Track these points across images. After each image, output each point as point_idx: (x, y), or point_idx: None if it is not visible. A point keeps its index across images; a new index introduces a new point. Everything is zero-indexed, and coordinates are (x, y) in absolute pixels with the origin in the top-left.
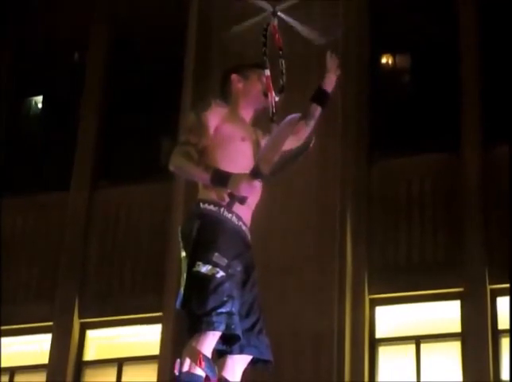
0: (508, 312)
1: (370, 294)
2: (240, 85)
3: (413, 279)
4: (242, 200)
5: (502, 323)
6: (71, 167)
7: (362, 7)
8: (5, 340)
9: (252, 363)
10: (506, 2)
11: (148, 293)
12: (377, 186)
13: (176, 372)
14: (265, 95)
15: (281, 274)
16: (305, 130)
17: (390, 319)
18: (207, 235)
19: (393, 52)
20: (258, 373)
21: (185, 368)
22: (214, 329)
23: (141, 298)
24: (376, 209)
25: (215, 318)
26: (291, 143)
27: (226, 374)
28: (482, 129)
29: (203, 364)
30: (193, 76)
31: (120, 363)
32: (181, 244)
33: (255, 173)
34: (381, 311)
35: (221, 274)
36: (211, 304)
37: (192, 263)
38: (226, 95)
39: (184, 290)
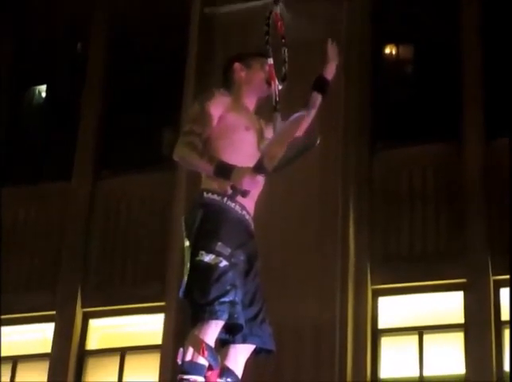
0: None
1: (372, 284)
2: (243, 74)
3: (415, 270)
4: (244, 194)
5: (505, 314)
6: (73, 157)
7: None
8: (7, 329)
9: (255, 352)
10: None
11: (150, 282)
12: (379, 177)
13: (179, 362)
14: (268, 83)
15: (283, 264)
16: (307, 119)
17: (393, 310)
18: (210, 224)
19: (395, 43)
20: (260, 361)
21: (188, 358)
22: (217, 319)
23: (144, 287)
24: (378, 200)
25: (217, 307)
26: None
27: (229, 363)
28: (484, 120)
29: (205, 353)
30: (196, 66)
31: (122, 352)
32: (184, 234)
33: (258, 168)
34: (383, 302)
35: (224, 263)
36: (214, 293)
37: (195, 253)
38: (228, 83)
39: (187, 279)
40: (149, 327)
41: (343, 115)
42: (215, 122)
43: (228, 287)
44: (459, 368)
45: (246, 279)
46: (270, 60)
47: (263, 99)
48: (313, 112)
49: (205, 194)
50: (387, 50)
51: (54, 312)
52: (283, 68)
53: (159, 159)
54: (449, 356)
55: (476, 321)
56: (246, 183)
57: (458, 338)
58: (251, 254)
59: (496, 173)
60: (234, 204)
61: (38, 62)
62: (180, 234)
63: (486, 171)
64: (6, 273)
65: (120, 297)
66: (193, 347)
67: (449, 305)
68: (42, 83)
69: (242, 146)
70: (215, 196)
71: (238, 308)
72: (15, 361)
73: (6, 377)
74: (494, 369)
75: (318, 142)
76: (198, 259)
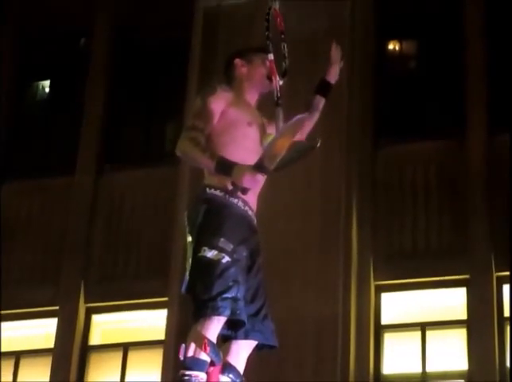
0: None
1: (375, 280)
2: (244, 69)
3: (418, 266)
4: (244, 191)
5: (508, 310)
6: (76, 152)
7: None
8: (10, 324)
9: (257, 348)
10: None
11: (153, 278)
12: (382, 173)
13: (181, 357)
14: (269, 79)
15: (286, 260)
16: (310, 122)
17: (396, 306)
18: (213, 219)
19: (398, 38)
20: (262, 356)
21: (190, 353)
22: (219, 314)
23: (147, 282)
24: (381, 196)
25: (220, 303)
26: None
27: (231, 359)
28: (488, 116)
29: (208, 349)
30: (199, 60)
31: (125, 348)
32: (187, 229)
33: (259, 167)
34: (386, 298)
35: (226, 259)
36: (216, 289)
37: (197, 248)
38: (230, 79)
39: (190, 275)
40: (151, 322)
41: (346, 112)
42: (216, 117)
43: (230, 283)
44: (461, 363)
45: (248, 275)
46: (271, 56)
47: (265, 95)
48: (317, 115)
49: (208, 190)
50: (390, 46)
51: (57, 307)
52: (283, 64)
53: (162, 154)
54: (452, 352)
55: (479, 318)
56: (246, 181)
57: (461, 334)
58: (254, 249)
59: (499, 170)
60: (236, 199)
61: (42, 57)
62: (183, 229)
63: (489, 168)
64: (9, 268)
65: (123, 292)
66: (195, 343)
67: (452, 301)
68: (46, 79)
69: (244, 142)
70: (218, 192)
71: (241, 304)
72: (18, 357)
73: (9, 372)
74: (497, 365)
75: (319, 144)
76: (200, 254)
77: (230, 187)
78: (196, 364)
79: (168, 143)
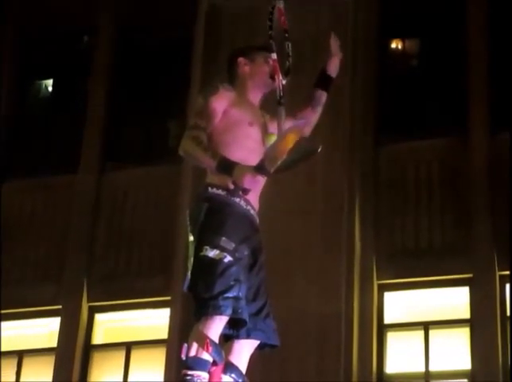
0: None
1: (378, 279)
2: (247, 68)
3: (421, 265)
4: (245, 191)
5: (509, 310)
6: (78, 150)
7: None
8: (13, 323)
9: (259, 347)
10: None
11: (156, 276)
12: (384, 171)
13: (183, 357)
14: (272, 78)
15: (288, 259)
16: (313, 117)
17: (399, 305)
18: (214, 218)
19: (401, 36)
20: (264, 356)
21: (192, 353)
22: (221, 314)
23: (150, 281)
24: (384, 195)
25: (221, 302)
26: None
27: (233, 359)
28: (490, 114)
29: (210, 348)
30: (202, 58)
31: (128, 347)
32: (189, 228)
33: (260, 168)
34: (389, 297)
35: (228, 258)
36: (218, 288)
37: (199, 247)
38: (232, 78)
39: (191, 274)
40: (154, 321)
41: (348, 111)
42: (219, 117)
43: (232, 282)
44: (464, 363)
45: (250, 273)
46: (274, 55)
47: (268, 94)
48: (319, 109)
49: (210, 189)
50: (392, 45)
51: (60, 306)
52: (287, 63)
53: (164, 153)
54: (455, 352)
55: (482, 317)
56: (246, 181)
57: (464, 333)
58: (255, 248)
59: (502, 168)
60: (238, 199)
61: (44, 57)
62: (185, 227)
63: (492, 166)
64: (12, 267)
65: (125, 291)
66: (197, 342)
67: (455, 300)
68: (48, 78)
69: (245, 142)
70: (220, 191)
71: (242, 303)
72: (21, 356)
73: (12, 371)
74: (500, 364)
75: (320, 149)
76: (202, 254)
77: (231, 186)
78: (198, 363)
79: (170, 142)
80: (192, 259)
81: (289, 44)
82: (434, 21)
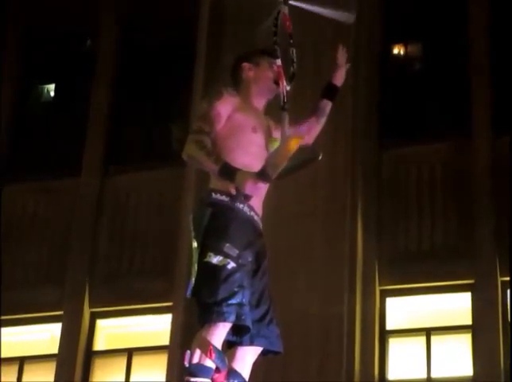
0: None
1: (380, 285)
2: (251, 73)
3: (423, 271)
4: (247, 197)
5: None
6: (81, 153)
7: None
8: (14, 329)
9: (262, 353)
10: None
11: (158, 282)
12: (387, 174)
13: (186, 364)
14: (277, 83)
15: (291, 264)
16: (317, 127)
17: (401, 311)
18: (218, 224)
19: (403, 40)
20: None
21: (195, 360)
22: (224, 320)
23: (152, 287)
24: (386, 199)
25: (225, 309)
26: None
27: (237, 365)
28: (493, 117)
29: (213, 355)
30: (205, 61)
31: (130, 352)
32: (192, 234)
33: (261, 175)
34: (391, 302)
35: (232, 264)
36: (221, 294)
37: (203, 254)
38: (237, 82)
39: (195, 280)
40: (156, 327)
41: (352, 114)
42: (223, 121)
43: (236, 289)
44: (466, 369)
45: (253, 279)
46: (278, 61)
47: (272, 99)
48: (323, 120)
49: (213, 195)
50: (395, 48)
51: (61, 312)
52: (291, 68)
53: (168, 155)
54: (457, 358)
55: (484, 322)
56: (248, 187)
57: (466, 339)
58: (259, 253)
59: (505, 172)
60: (242, 205)
61: (46, 59)
62: (189, 232)
63: (495, 169)
64: (14, 270)
65: (127, 297)
66: (200, 349)
67: (457, 306)
68: (50, 80)
69: (249, 147)
70: (224, 197)
71: (246, 309)
72: (22, 361)
73: (13, 378)
74: (502, 370)
75: (320, 156)
76: (206, 260)
77: (233, 192)
78: (202, 370)
79: (173, 145)
80: (195, 265)
81: (294, 50)
82: (437, 25)
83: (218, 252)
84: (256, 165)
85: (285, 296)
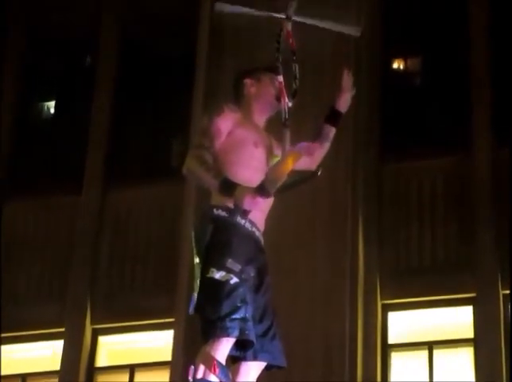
0: None
1: (382, 299)
2: (253, 89)
3: (424, 284)
4: (245, 213)
5: None
6: (82, 169)
7: (374, 12)
8: (16, 346)
9: (265, 368)
10: None
11: (160, 298)
12: (388, 187)
13: (190, 379)
14: (278, 99)
15: (293, 278)
16: (320, 152)
17: (402, 324)
18: (220, 239)
19: (404, 55)
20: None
21: (199, 375)
22: (228, 335)
23: (153, 302)
24: (388, 214)
25: (228, 324)
26: (305, 163)
27: (241, 380)
28: (493, 132)
29: (217, 370)
30: (205, 77)
31: (132, 369)
32: (194, 250)
33: (260, 190)
34: (393, 316)
35: (234, 280)
36: (224, 309)
37: (205, 269)
38: (238, 98)
39: (198, 296)
40: (158, 343)
41: (352, 128)
42: (223, 137)
43: (239, 304)
44: None
45: (256, 295)
46: (280, 77)
47: (273, 115)
48: (327, 145)
49: (215, 210)
50: (396, 62)
51: (63, 329)
52: (294, 85)
53: (168, 171)
54: (459, 371)
55: (486, 336)
56: (246, 202)
57: (468, 353)
58: (261, 269)
59: (506, 186)
60: (244, 220)
61: (48, 77)
62: (189, 247)
63: (496, 184)
64: (16, 287)
65: (129, 313)
66: (204, 364)
67: (459, 319)
68: (52, 98)
69: (250, 162)
70: (224, 213)
71: (249, 324)
72: (24, 378)
73: None
74: None
75: (320, 172)
76: (208, 276)
77: (231, 207)
78: None
79: (174, 160)
80: (198, 281)
81: (297, 66)
82: (436, 40)
83: (220, 267)
84: (257, 180)
85: (286, 313)
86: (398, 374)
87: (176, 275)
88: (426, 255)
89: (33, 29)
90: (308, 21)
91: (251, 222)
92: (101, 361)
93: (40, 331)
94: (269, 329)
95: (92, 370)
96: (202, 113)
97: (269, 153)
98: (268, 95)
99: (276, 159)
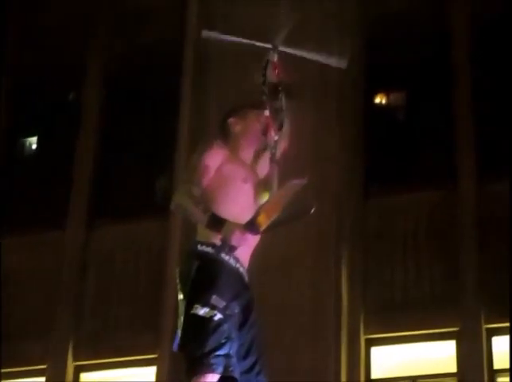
0: (504, 351)
1: (365, 334)
2: (238, 127)
3: (408, 319)
4: (232, 249)
5: (498, 362)
6: (67, 206)
7: (356, 47)
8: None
9: None
10: (499, 41)
11: (144, 334)
12: (372, 223)
13: None
14: (265, 134)
15: (276, 313)
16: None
17: (386, 359)
18: (205, 276)
19: (386, 89)
20: None
21: None
22: (212, 372)
23: (137, 338)
24: (372, 247)
25: (213, 360)
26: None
27: None
28: (478, 166)
29: None
30: (190, 112)
31: None
32: (178, 286)
33: (249, 226)
34: (376, 351)
35: (219, 316)
36: (209, 346)
37: (189, 306)
38: (225, 137)
39: (182, 332)
40: (140, 379)
41: (337, 163)
42: (211, 173)
43: (223, 340)
44: None
45: (240, 331)
46: (266, 112)
47: (261, 151)
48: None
49: (199, 246)
50: (378, 97)
51: (45, 366)
52: (280, 117)
53: (153, 208)
54: None
55: (469, 370)
56: (235, 239)
57: None
58: (246, 305)
59: (491, 220)
60: (228, 256)
61: (31, 113)
62: (174, 284)
63: (481, 218)
64: (3, 323)
65: (112, 349)
66: None
67: (442, 353)
68: (35, 134)
69: (238, 198)
70: (210, 249)
71: (234, 361)
72: None
73: None
74: None
75: (313, 210)
76: (193, 312)
77: (218, 243)
78: None
79: (159, 197)
80: (182, 318)
81: (283, 98)
82: (420, 74)
83: (204, 304)
84: (245, 216)
85: (272, 346)
86: None
87: (161, 312)
88: (410, 291)
89: (17, 67)
90: (295, 52)
91: (235, 258)
92: None
93: (23, 368)
94: (254, 365)
95: None
96: (187, 150)
97: (258, 190)
98: (254, 131)
99: (264, 195)
